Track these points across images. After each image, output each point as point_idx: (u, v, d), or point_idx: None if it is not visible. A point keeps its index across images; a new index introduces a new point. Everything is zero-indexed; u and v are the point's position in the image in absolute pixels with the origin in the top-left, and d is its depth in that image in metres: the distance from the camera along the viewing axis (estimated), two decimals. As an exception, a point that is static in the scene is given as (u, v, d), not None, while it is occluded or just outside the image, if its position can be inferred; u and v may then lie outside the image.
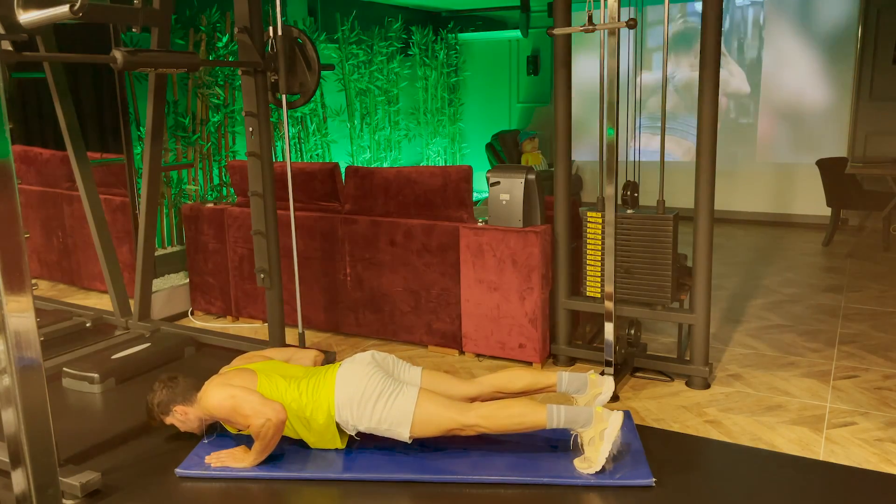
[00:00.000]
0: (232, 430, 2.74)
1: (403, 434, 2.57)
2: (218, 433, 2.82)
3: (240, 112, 5.83)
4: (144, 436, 2.90)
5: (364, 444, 2.76)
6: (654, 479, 2.47)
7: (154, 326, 4.07)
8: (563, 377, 2.78)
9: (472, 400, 2.72)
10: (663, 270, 3.30)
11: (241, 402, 2.54)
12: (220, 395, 2.58)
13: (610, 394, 2.75)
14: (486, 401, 2.68)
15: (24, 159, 5.20)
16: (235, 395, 2.55)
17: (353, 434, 2.67)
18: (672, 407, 3.16)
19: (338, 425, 2.65)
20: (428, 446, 2.73)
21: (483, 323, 3.69)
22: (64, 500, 2.41)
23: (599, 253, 3.43)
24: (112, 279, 4.13)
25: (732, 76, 7.18)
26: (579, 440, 2.58)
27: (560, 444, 2.72)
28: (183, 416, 2.72)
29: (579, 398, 2.78)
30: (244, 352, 3.27)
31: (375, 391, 2.57)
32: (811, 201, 6.96)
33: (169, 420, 2.75)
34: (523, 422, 2.54)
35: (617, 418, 2.49)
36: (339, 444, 2.70)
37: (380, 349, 3.96)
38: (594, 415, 2.52)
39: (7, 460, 2.28)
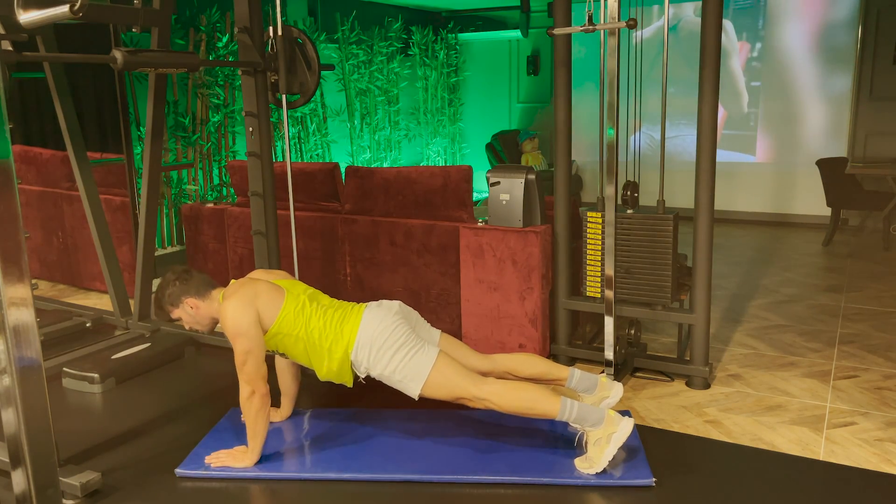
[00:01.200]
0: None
1: (414, 390, 2.55)
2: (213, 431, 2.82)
3: (240, 112, 5.83)
4: (144, 436, 2.90)
5: (364, 444, 2.76)
6: (654, 479, 2.47)
7: (154, 326, 4.07)
8: (574, 373, 2.78)
9: (484, 375, 2.69)
10: (663, 270, 3.30)
11: (248, 349, 2.48)
12: (237, 320, 2.49)
13: (617, 400, 2.75)
14: (498, 378, 2.66)
15: (24, 159, 5.20)
16: (251, 337, 2.49)
17: (362, 378, 2.64)
18: (672, 407, 3.16)
19: (351, 364, 2.62)
20: (428, 445, 2.73)
21: (483, 323, 3.69)
22: (64, 500, 2.42)
23: (599, 253, 3.43)
24: (112, 279, 4.14)
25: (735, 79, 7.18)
26: (584, 439, 2.58)
27: (560, 443, 2.72)
28: (194, 311, 2.66)
29: (586, 397, 2.78)
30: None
31: (398, 341, 2.54)
32: (811, 201, 6.96)
33: (177, 313, 2.68)
34: (534, 407, 2.51)
35: (628, 425, 2.49)
36: (349, 381, 2.66)
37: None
38: (606, 417, 2.52)
39: (7, 460, 2.28)
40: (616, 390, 2.76)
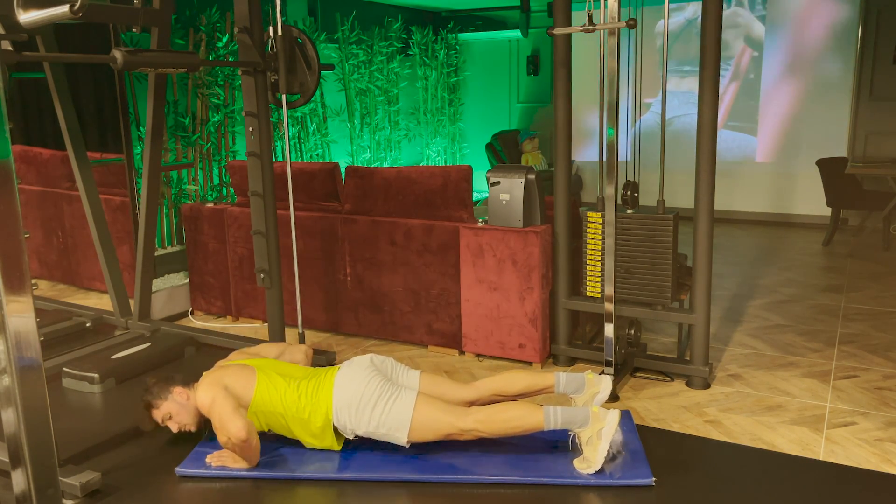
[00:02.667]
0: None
1: (401, 439, 2.58)
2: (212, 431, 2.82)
3: (240, 112, 5.83)
4: (144, 436, 2.90)
5: (363, 444, 2.76)
6: (654, 479, 2.47)
7: (154, 326, 4.07)
8: (560, 378, 2.78)
9: (471, 404, 2.72)
10: (663, 270, 3.30)
11: (216, 407, 2.51)
12: (207, 394, 2.56)
13: (608, 392, 2.75)
14: (485, 404, 2.68)
15: (24, 159, 5.20)
16: (216, 397, 2.53)
17: (351, 438, 2.68)
18: (672, 407, 3.16)
19: (336, 429, 2.66)
20: (427, 445, 2.73)
21: (483, 323, 3.69)
22: (64, 500, 2.41)
23: (599, 253, 3.43)
24: (112, 279, 4.13)
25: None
26: (577, 440, 2.58)
27: (560, 443, 2.72)
28: (182, 399, 2.68)
29: (578, 398, 2.78)
30: (244, 352, 3.27)
31: (374, 395, 2.57)
32: (811, 201, 6.96)
33: (166, 406, 2.68)
34: (521, 424, 2.54)
35: (614, 417, 2.49)
36: (336, 446, 2.70)
37: (380, 349, 3.97)
38: (591, 415, 2.53)
39: (7, 460, 2.28)
40: (605, 384, 2.77)
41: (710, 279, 3.29)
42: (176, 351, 3.76)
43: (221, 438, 2.51)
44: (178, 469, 2.61)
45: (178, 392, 2.69)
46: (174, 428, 2.72)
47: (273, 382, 2.65)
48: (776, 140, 7.13)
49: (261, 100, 3.34)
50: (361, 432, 2.62)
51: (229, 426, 2.46)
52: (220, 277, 4.50)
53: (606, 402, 2.99)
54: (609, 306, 3.30)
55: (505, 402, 2.66)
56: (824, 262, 5.61)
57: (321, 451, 2.72)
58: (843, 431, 2.89)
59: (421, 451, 2.70)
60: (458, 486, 2.50)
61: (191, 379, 2.76)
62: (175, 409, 2.70)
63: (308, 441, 2.69)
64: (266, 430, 2.70)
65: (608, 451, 2.49)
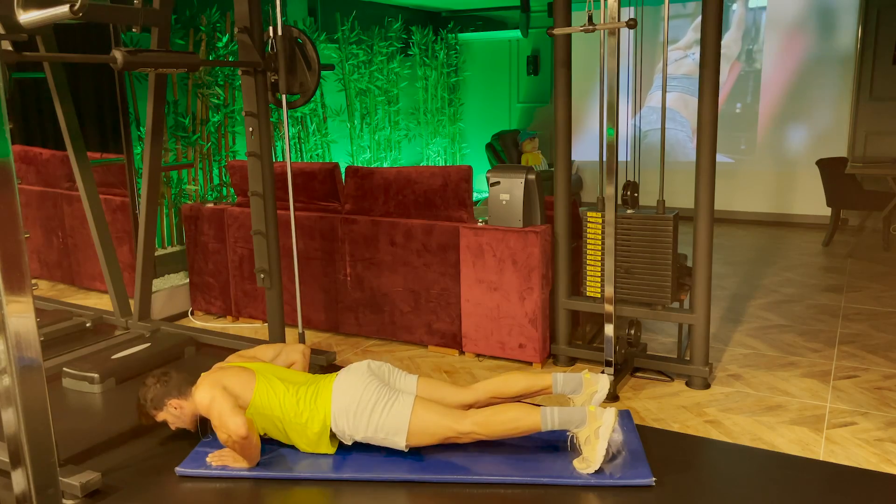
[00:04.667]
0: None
1: (399, 443, 2.58)
2: (212, 431, 2.82)
3: (240, 112, 5.83)
4: (144, 436, 2.90)
5: (362, 444, 2.76)
6: (654, 479, 2.47)
7: (154, 326, 4.07)
8: (557, 378, 2.78)
9: (469, 407, 2.72)
10: (663, 270, 3.30)
11: (215, 405, 2.52)
12: (206, 395, 2.57)
13: (606, 391, 2.74)
14: (483, 407, 2.69)
15: (24, 159, 5.20)
16: (215, 396, 2.54)
17: (349, 444, 2.69)
18: (672, 407, 3.16)
19: (333, 434, 2.67)
20: (427, 445, 2.73)
21: (483, 323, 3.69)
22: (64, 500, 2.41)
23: (599, 253, 3.43)
24: (112, 279, 4.14)
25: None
26: (576, 441, 2.58)
27: (560, 444, 2.72)
28: (178, 411, 2.70)
29: (576, 398, 2.78)
30: (244, 352, 3.27)
31: (371, 400, 2.58)
32: (811, 201, 6.96)
33: (161, 416, 2.72)
34: (518, 426, 2.54)
35: (610, 415, 2.49)
36: (329, 449, 2.70)
37: (380, 349, 3.97)
38: (588, 414, 2.53)
39: (7, 460, 2.28)
40: (602, 382, 2.76)
41: (710, 279, 3.29)
42: (176, 351, 3.76)
43: (222, 436, 2.52)
44: (178, 469, 2.61)
45: (172, 405, 2.70)
46: (172, 427, 2.77)
47: (272, 386, 2.66)
48: (776, 140, 7.13)
49: (261, 100, 3.34)
50: (360, 437, 2.62)
51: (229, 423, 2.47)
52: (220, 277, 4.50)
53: (606, 402, 3.00)
54: (609, 306, 3.30)
55: (502, 404, 2.67)
56: (824, 262, 5.61)
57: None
58: (843, 431, 2.89)
59: (421, 450, 2.70)
60: (457, 486, 2.50)
61: (188, 378, 2.76)
62: (171, 419, 2.73)
63: (303, 447, 2.70)
64: (262, 433, 2.70)
65: (607, 450, 2.49)
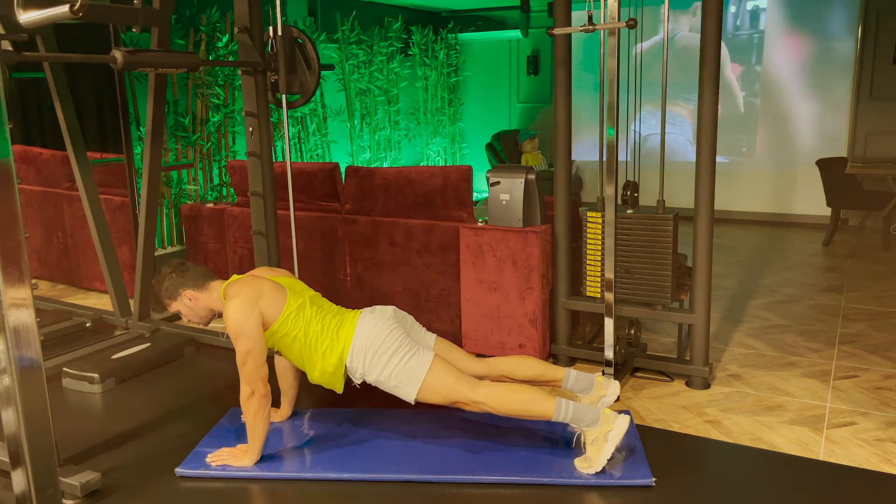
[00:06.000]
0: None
1: (410, 395, 2.55)
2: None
3: (240, 112, 5.83)
4: (144, 436, 2.90)
5: (365, 442, 2.76)
6: (654, 479, 2.47)
7: (154, 326, 4.07)
8: (570, 374, 2.78)
9: (479, 378, 2.69)
10: (663, 270, 3.30)
11: (248, 349, 2.47)
12: (240, 320, 2.48)
13: (614, 398, 2.76)
14: (493, 381, 2.67)
15: (24, 159, 5.20)
16: (253, 338, 2.48)
17: (358, 384, 2.65)
18: (672, 407, 3.16)
19: (346, 370, 2.63)
20: (427, 445, 2.73)
21: (483, 323, 3.69)
22: (64, 500, 2.42)
23: (599, 253, 3.43)
24: (112, 279, 4.14)
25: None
26: (582, 439, 2.58)
27: (560, 443, 2.72)
28: (192, 303, 2.65)
29: (584, 397, 2.78)
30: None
31: (393, 346, 2.55)
32: (811, 201, 6.96)
33: (175, 306, 2.68)
34: (530, 409, 2.52)
35: (624, 422, 2.49)
36: (339, 388, 2.67)
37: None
38: (602, 416, 2.52)
39: (7, 460, 2.28)
40: (613, 388, 2.77)
41: (710, 279, 3.29)
42: (176, 351, 3.76)
43: (243, 391, 2.50)
44: (178, 469, 2.61)
45: (188, 295, 2.65)
46: (185, 320, 2.76)
47: (302, 306, 2.62)
48: (776, 140, 7.13)
49: (261, 100, 3.34)
50: (371, 379, 2.59)
51: (258, 383, 2.48)
52: (220, 277, 4.50)
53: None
54: (609, 306, 3.29)
55: (519, 384, 2.65)
56: (824, 262, 5.61)
57: (322, 450, 2.72)
58: (843, 431, 2.89)
59: (422, 450, 2.70)
60: (458, 486, 2.50)
61: (206, 272, 2.72)
62: (184, 309, 2.69)
63: (315, 376, 2.65)
64: (274, 350, 2.67)
65: (611, 453, 2.49)
